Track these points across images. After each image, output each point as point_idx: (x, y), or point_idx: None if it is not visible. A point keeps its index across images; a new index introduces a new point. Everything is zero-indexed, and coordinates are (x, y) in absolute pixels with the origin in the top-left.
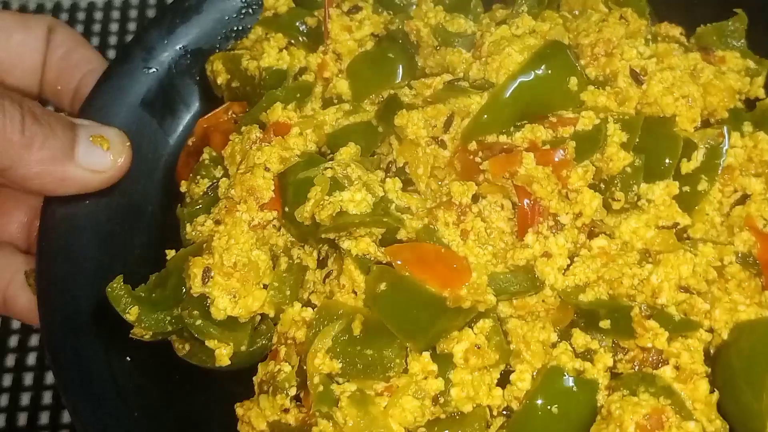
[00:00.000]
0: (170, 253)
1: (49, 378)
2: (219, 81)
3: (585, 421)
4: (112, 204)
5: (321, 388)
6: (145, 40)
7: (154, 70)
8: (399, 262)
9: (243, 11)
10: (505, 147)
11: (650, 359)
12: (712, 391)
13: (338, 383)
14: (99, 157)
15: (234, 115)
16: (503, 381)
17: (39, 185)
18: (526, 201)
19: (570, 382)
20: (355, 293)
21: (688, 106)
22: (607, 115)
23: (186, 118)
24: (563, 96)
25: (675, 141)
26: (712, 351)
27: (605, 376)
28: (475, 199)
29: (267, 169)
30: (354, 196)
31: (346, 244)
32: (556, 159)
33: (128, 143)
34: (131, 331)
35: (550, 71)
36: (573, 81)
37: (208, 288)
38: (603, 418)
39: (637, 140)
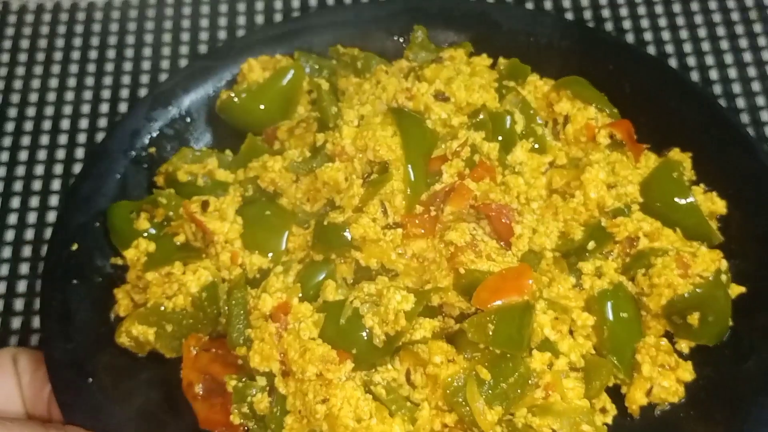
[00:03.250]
0: None
1: None
2: (150, 338)
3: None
4: None
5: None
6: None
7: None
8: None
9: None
10: (445, 190)
11: (628, 244)
12: (675, 231)
13: (512, 415)
14: None
15: (200, 345)
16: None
17: None
18: (491, 214)
19: (612, 293)
20: (450, 360)
21: (489, 96)
22: (464, 127)
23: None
24: (433, 136)
25: (502, 116)
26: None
27: (620, 276)
28: None
29: (313, 338)
30: (396, 298)
31: (418, 334)
32: (482, 171)
33: None
34: None
35: (413, 126)
36: (428, 122)
37: None
38: (647, 294)
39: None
